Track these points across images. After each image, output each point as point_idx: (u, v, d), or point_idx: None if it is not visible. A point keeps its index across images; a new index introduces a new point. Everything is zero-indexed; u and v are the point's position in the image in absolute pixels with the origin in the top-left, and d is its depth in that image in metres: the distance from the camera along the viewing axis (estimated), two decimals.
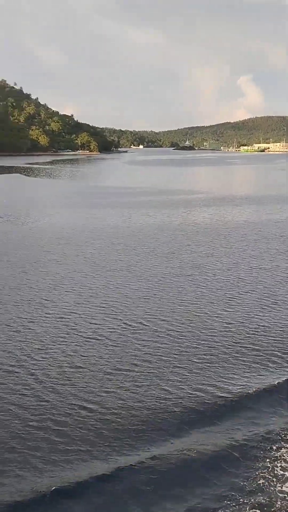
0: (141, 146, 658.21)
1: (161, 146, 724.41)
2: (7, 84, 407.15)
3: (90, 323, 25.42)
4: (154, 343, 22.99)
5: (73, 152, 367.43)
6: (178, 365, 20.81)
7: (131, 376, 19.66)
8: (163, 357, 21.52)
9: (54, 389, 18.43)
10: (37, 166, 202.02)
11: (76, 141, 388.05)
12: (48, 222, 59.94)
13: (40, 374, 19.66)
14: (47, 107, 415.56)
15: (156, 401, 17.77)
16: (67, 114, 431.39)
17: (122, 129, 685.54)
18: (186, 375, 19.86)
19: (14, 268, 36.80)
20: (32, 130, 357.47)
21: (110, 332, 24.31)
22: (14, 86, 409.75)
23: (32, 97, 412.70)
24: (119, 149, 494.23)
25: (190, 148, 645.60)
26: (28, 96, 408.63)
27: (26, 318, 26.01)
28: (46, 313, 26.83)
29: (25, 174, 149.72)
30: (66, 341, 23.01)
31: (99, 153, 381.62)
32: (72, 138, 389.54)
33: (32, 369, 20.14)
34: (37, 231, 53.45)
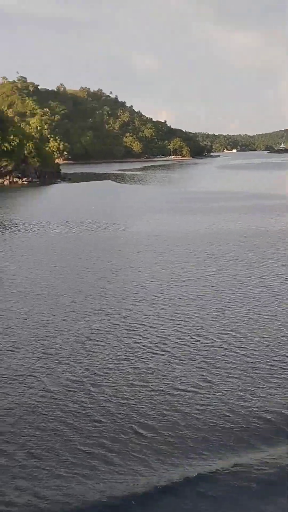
0: (234, 150, 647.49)
1: (255, 150, 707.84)
2: (103, 93, 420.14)
3: (157, 337, 24.45)
4: (222, 362, 21.48)
5: (165, 158, 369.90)
6: (246, 387, 19.18)
7: (191, 397, 18.39)
8: (229, 378, 19.99)
9: (107, 410, 17.64)
10: (129, 172, 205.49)
11: (169, 146, 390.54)
12: (132, 228, 59.95)
13: (96, 392, 18.98)
14: (141, 114, 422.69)
15: (212, 429, 16.35)
16: (160, 120, 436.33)
17: (216, 134, 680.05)
18: (252, 400, 18.19)
19: (93, 275, 36.86)
20: (126, 137, 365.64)
21: (177, 347, 23.15)
22: (110, 95, 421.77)
23: (126, 105, 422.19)
24: (211, 153, 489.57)
25: (286, 151, 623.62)
26: (123, 104, 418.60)
27: (93, 329, 25.62)
28: (114, 324, 26.28)
29: (115, 181, 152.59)
30: (129, 356, 22.22)
31: (191, 158, 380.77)
32: (164, 144, 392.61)
33: (89, 385, 19.52)
34: (120, 238, 53.58)
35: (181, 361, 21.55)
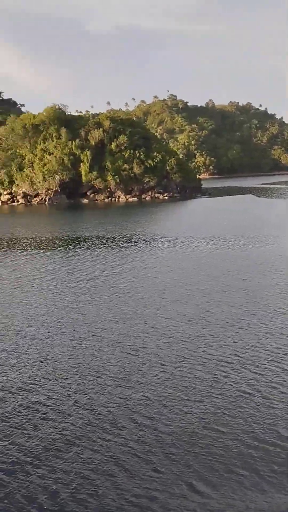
0: None
1: None
2: (252, 106, 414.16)
3: (228, 374, 21.66)
4: None
5: None
6: None
7: (265, 449, 15.55)
8: None
9: (167, 454, 15.67)
10: (273, 186, 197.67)
11: None
12: (261, 246, 56.35)
13: (156, 438, 17.09)
14: None
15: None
16: None
17: None
18: None
19: (202, 297, 34.80)
20: (274, 150, 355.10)
21: (253, 390, 20.17)
22: (259, 108, 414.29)
23: (276, 117, 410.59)
24: None
25: None
26: (272, 117, 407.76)
27: (181, 360, 23.64)
28: (204, 357, 24.02)
29: (256, 195, 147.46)
30: (198, 393, 19.90)
31: None
32: None
33: (151, 429, 17.70)
34: (243, 257, 50.50)
35: (258, 407, 18.62)
